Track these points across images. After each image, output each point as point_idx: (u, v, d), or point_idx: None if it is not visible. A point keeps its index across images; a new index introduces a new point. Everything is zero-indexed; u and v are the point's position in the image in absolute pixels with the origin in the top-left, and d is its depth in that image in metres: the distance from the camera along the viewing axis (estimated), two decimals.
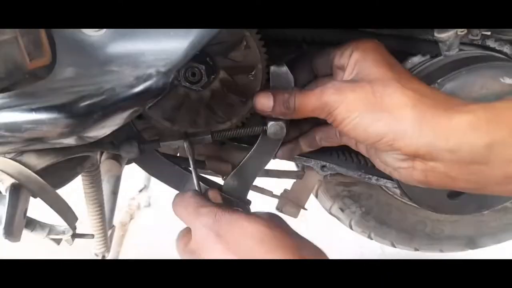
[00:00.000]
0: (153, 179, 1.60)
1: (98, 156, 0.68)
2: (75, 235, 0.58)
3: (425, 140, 0.46)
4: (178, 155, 0.81)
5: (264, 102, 0.57)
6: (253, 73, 0.63)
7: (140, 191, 1.35)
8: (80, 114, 0.37)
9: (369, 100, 0.49)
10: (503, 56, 0.63)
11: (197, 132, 0.64)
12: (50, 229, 0.58)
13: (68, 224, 0.54)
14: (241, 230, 0.50)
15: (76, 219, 0.56)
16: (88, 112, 0.37)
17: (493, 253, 1.09)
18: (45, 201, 0.50)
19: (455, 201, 0.66)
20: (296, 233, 0.54)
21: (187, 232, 0.57)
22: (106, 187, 0.76)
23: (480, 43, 0.64)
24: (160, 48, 0.43)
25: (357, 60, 0.53)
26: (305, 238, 0.53)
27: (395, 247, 1.04)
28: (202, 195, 0.59)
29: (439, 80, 0.59)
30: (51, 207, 0.51)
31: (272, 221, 0.53)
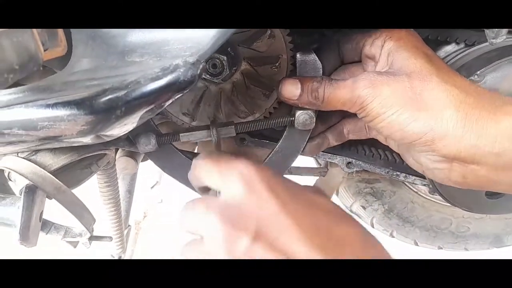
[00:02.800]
0: (164, 175, 1.57)
1: (114, 154, 0.65)
2: (92, 238, 0.55)
3: (468, 143, 0.43)
4: (195, 151, 0.77)
5: (291, 89, 0.53)
6: (277, 63, 0.59)
7: (152, 187, 1.32)
8: (102, 110, 0.34)
9: (407, 96, 0.45)
10: None
11: (223, 123, 0.60)
12: (66, 232, 0.55)
13: (85, 226, 0.51)
14: (300, 194, 0.40)
15: (94, 221, 0.53)
16: (111, 108, 0.34)
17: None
18: (61, 202, 0.47)
19: (495, 200, 0.62)
20: None
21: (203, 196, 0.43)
22: (121, 186, 0.73)
23: None
24: (185, 36, 0.39)
25: (390, 51, 0.49)
26: None
27: (418, 245, 1.00)
28: None
29: (478, 72, 0.55)
30: (67, 208, 0.48)
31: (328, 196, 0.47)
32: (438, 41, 0.62)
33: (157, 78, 0.35)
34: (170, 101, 0.38)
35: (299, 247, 0.34)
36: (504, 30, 0.48)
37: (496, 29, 0.47)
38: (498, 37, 0.48)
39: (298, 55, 0.56)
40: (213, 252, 0.37)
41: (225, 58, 0.56)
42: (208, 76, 0.58)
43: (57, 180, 0.46)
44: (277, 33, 0.56)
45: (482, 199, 0.62)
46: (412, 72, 0.46)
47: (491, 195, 0.62)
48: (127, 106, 0.34)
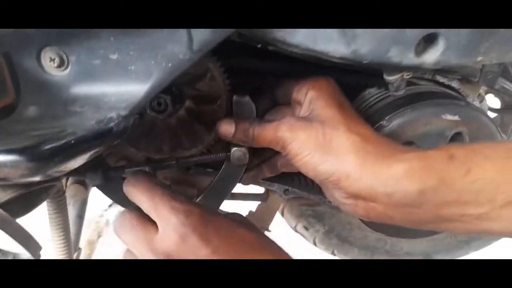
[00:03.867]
0: None
1: (64, 181, 0.69)
2: None
3: (366, 184, 0.50)
4: None
5: (226, 128, 0.61)
6: (217, 103, 0.65)
7: (110, 206, 1.35)
8: (41, 158, 0.39)
9: (319, 141, 0.53)
10: (448, 92, 0.68)
11: (163, 158, 0.66)
12: (14, 257, 0.59)
13: (31, 254, 0.55)
14: (230, 235, 0.48)
15: (40, 248, 0.57)
16: (49, 156, 0.39)
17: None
18: (6, 232, 0.51)
19: None
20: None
21: (142, 220, 0.49)
22: (71, 211, 0.76)
23: (431, 78, 0.69)
24: (122, 90, 0.45)
25: (311, 99, 0.57)
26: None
27: None
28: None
29: (387, 117, 0.62)
30: (12, 238, 0.52)
31: (252, 224, 0.54)
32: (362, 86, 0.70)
33: (92, 130, 0.40)
34: (106, 148, 0.44)
35: None
36: (403, 85, 0.56)
37: (396, 84, 0.55)
38: (398, 90, 0.56)
39: (234, 97, 0.62)
40: None
41: (169, 97, 0.62)
42: (154, 112, 0.64)
43: (3, 212, 0.50)
44: (217, 76, 0.63)
45: (397, 226, 0.69)
46: (325, 119, 0.54)
47: None
48: (64, 154, 0.39)
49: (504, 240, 1.08)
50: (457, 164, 0.47)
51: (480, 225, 0.47)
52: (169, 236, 0.46)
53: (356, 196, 0.52)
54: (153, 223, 0.49)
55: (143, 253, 0.47)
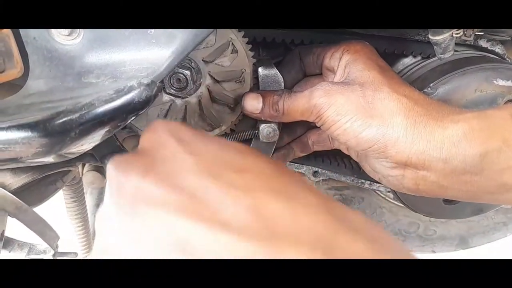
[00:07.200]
0: None
1: (80, 169, 0.65)
2: (56, 254, 0.55)
3: (418, 148, 0.45)
4: None
5: (253, 103, 0.55)
6: (240, 78, 0.60)
7: None
8: (56, 132, 0.34)
9: (360, 104, 0.47)
10: (495, 57, 0.62)
11: None
12: (30, 249, 0.55)
13: (49, 244, 0.51)
14: (213, 139, 0.34)
15: (58, 238, 0.53)
16: (64, 130, 0.34)
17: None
18: (22, 221, 0.47)
19: (451, 206, 0.64)
20: None
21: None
22: (89, 200, 0.73)
23: (472, 43, 0.63)
24: (142, 57, 0.40)
25: (347, 63, 0.51)
26: None
27: None
28: None
29: (432, 84, 0.57)
30: (29, 227, 0.48)
31: None
32: (395, 54, 0.65)
33: (111, 100, 0.36)
34: (127, 121, 0.39)
35: (188, 177, 0.29)
36: (451, 46, 0.50)
37: (444, 45, 0.50)
38: (446, 52, 0.50)
39: (260, 70, 0.57)
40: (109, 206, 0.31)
41: (188, 73, 0.57)
42: (173, 90, 0.59)
43: (17, 199, 0.46)
44: (240, 48, 0.58)
45: (439, 205, 0.64)
46: (365, 82, 0.49)
47: (448, 201, 0.65)
48: (81, 128, 0.35)
49: (505, 240, 1.03)
50: None
51: None
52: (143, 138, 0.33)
53: (404, 164, 0.47)
54: None
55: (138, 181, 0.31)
